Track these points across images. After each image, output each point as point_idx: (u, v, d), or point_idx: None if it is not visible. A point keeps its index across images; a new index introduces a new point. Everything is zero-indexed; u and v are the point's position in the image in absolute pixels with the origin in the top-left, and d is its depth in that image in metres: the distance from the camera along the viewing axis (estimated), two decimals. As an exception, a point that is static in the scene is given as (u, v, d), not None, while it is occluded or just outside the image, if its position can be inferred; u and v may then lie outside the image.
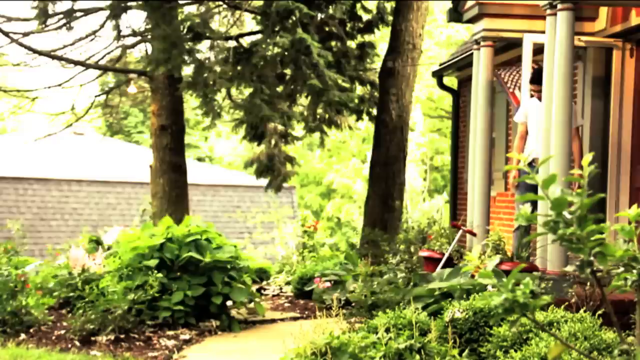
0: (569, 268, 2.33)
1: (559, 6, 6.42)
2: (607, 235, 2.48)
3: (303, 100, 12.08)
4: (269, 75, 10.35)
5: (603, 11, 7.44)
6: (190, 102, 16.32)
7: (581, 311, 4.69)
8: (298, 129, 12.75)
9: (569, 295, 5.33)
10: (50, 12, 11.10)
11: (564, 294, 5.46)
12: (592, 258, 2.26)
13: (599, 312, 4.54)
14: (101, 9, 11.81)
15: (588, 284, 5.36)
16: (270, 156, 11.75)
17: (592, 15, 7.49)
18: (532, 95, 7.59)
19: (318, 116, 11.74)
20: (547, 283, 5.71)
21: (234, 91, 11.49)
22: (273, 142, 11.72)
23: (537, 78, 7.33)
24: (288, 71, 10.49)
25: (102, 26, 12.00)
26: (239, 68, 10.27)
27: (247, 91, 10.64)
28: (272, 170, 11.84)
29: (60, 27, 11.69)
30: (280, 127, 11.79)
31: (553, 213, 2.25)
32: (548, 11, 6.65)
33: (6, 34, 11.79)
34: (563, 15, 6.41)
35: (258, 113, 10.18)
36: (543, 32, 6.89)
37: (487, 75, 8.00)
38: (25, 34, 12.09)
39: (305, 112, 11.97)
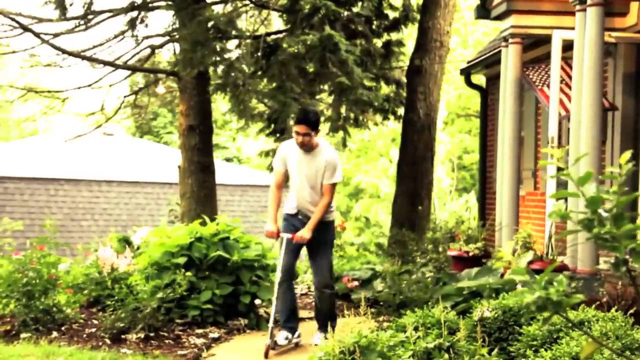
0: (603, 266, 2.31)
1: (589, 2, 6.34)
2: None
3: (326, 99, 12.02)
4: (294, 72, 10.34)
5: (634, 6, 7.33)
6: (219, 102, 16.41)
7: (612, 310, 4.63)
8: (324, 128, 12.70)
9: (600, 294, 5.26)
10: (68, 5, 11.18)
11: (595, 293, 5.40)
12: (627, 257, 2.22)
13: (631, 311, 4.47)
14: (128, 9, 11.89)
15: (620, 283, 5.29)
16: None
17: (622, 10, 7.38)
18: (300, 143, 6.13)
19: (342, 115, 11.68)
20: (577, 282, 5.65)
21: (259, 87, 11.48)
22: None
23: (302, 118, 6.10)
24: (311, 68, 10.46)
25: (129, 26, 12.08)
26: (264, 65, 10.28)
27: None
28: None
29: (83, 24, 11.79)
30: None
31: (588, 211, 2.21)
32: (577, 7, 6.57)
33: (37, 35, 11.93)
34: (593, 11, 6.33)
35: (285, 106, 10.14)
36: (572, 28, 6.81)
37: (516, 72, 7.93)
38: (56, 35, 12.22)
39: (329, 111, 11.92)
